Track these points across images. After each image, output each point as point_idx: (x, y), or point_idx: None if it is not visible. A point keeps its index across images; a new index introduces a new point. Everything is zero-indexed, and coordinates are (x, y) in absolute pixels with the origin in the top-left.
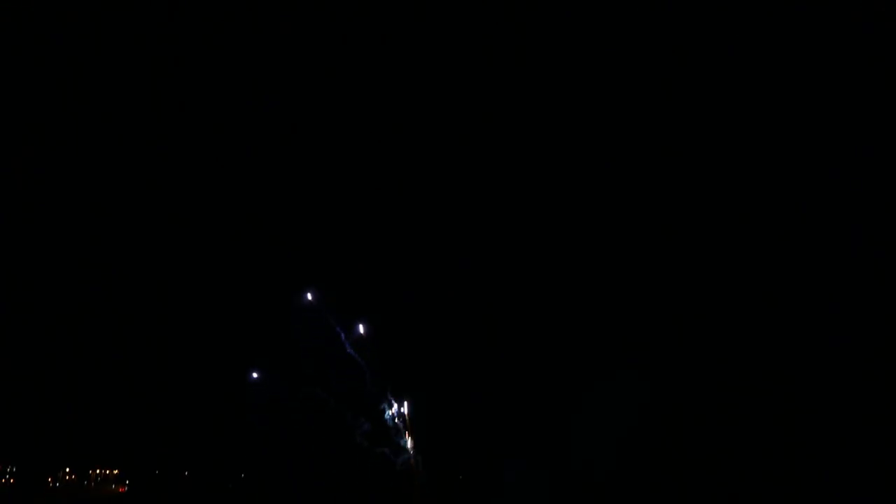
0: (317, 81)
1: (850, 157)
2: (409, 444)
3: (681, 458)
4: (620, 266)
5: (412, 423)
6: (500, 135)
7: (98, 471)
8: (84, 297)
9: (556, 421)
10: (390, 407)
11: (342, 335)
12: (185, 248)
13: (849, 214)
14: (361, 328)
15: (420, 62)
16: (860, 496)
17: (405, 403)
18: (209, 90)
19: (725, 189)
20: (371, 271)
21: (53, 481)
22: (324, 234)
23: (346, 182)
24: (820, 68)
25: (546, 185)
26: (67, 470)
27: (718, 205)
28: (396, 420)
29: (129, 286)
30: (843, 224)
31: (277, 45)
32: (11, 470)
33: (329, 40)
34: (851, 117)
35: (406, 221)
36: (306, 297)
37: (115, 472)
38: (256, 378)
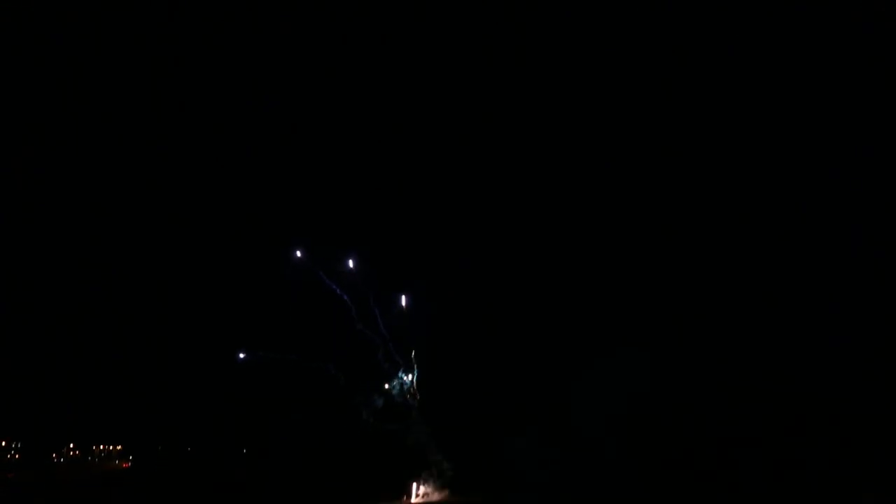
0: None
1: (851, 157)
2: (413, 379)
3: (686, 436)
4: (626, 259)
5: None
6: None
7: (101, 447)
8: (84, 276)
9: (564, 396)
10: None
11: (345, 295)
12: (180, 224)
13: (849, 212)
14: (351, 263)
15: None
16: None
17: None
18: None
19: (727, 184)
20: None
21: (58, 457)
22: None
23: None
24: (820, 68)
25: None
26: (71, 446)
27: (719, 199)
28: (406, 379)
29: (131, 266)
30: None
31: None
32: (16, 446)
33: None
34: (851, 117)
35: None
36: (296, 255)
37: (119, 447)
38: (245, 357)
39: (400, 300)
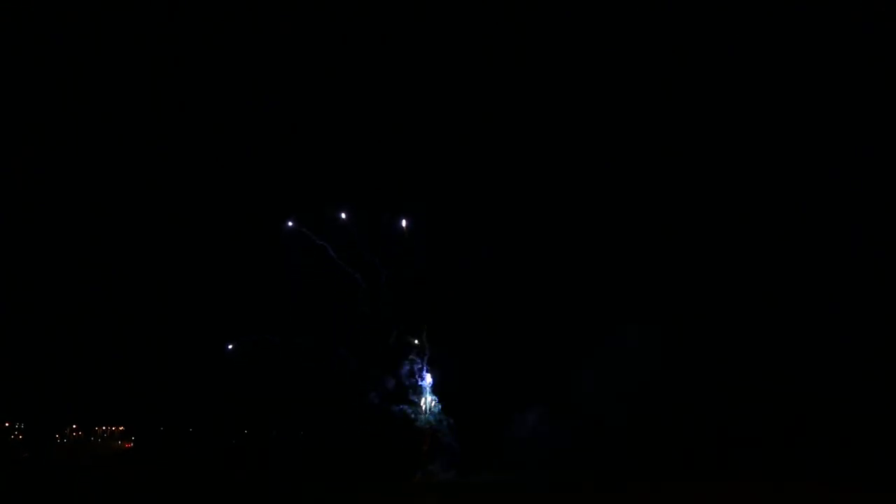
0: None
1: (851, 157)
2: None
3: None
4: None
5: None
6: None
7: (104, 427)
8: (86, 262)
9: (570, 374)
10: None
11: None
12: (178, 213)
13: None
14: (344, 215)
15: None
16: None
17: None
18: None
19: (731, 184)
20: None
21: (60, 438)
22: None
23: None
24: (820, 68)
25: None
26: (74, 427)
27: (725, 197)
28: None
29: (134, 252)
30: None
31: None
32: (20, 426)
33: None
34: (851, 117)
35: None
36: (288, 225)
37: (121, 428)
38: (233, 347)
39: (400, 224)
